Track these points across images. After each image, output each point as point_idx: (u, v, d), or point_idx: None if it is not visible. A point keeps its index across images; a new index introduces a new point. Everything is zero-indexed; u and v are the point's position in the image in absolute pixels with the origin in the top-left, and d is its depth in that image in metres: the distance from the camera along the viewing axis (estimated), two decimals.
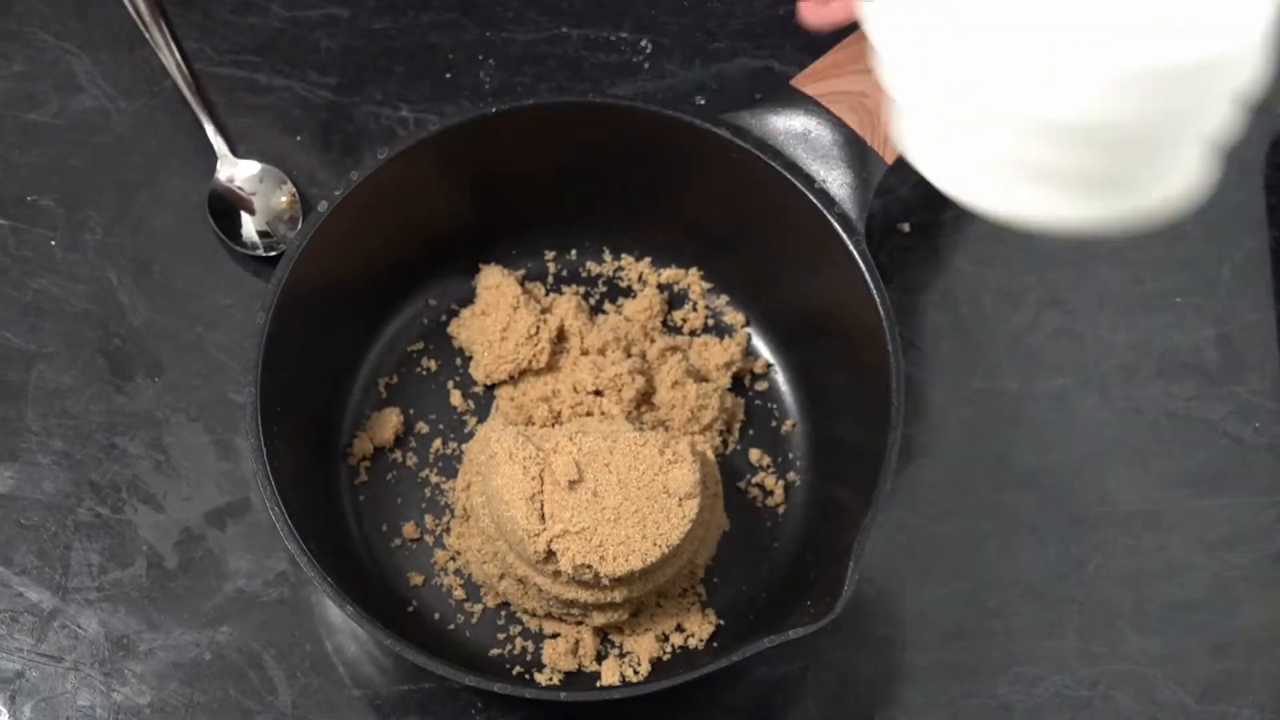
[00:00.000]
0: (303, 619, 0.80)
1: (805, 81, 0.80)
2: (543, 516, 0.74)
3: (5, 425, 0.84)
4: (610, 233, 0.88)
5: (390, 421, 0.84)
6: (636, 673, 0.79)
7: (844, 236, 0.77)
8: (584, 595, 0.77)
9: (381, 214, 0.80)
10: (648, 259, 0.88)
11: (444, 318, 0.87)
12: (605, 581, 0.75)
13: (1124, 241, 0.90)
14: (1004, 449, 0.85)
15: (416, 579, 0.82)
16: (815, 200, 0.77)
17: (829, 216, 0.77)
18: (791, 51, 0.94)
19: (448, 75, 0.93)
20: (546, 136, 0.80)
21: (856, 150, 0.78)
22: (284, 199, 0.89)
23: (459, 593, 0.81)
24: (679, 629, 0.81)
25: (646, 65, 0.94)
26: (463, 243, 0.86)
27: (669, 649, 0.80)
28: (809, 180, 0.78)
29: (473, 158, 0.80)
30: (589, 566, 0.74)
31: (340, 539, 0.81)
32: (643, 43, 0.94)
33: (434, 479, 0.84)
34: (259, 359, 0.75)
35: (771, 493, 0.84)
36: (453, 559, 0.82)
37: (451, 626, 0.81)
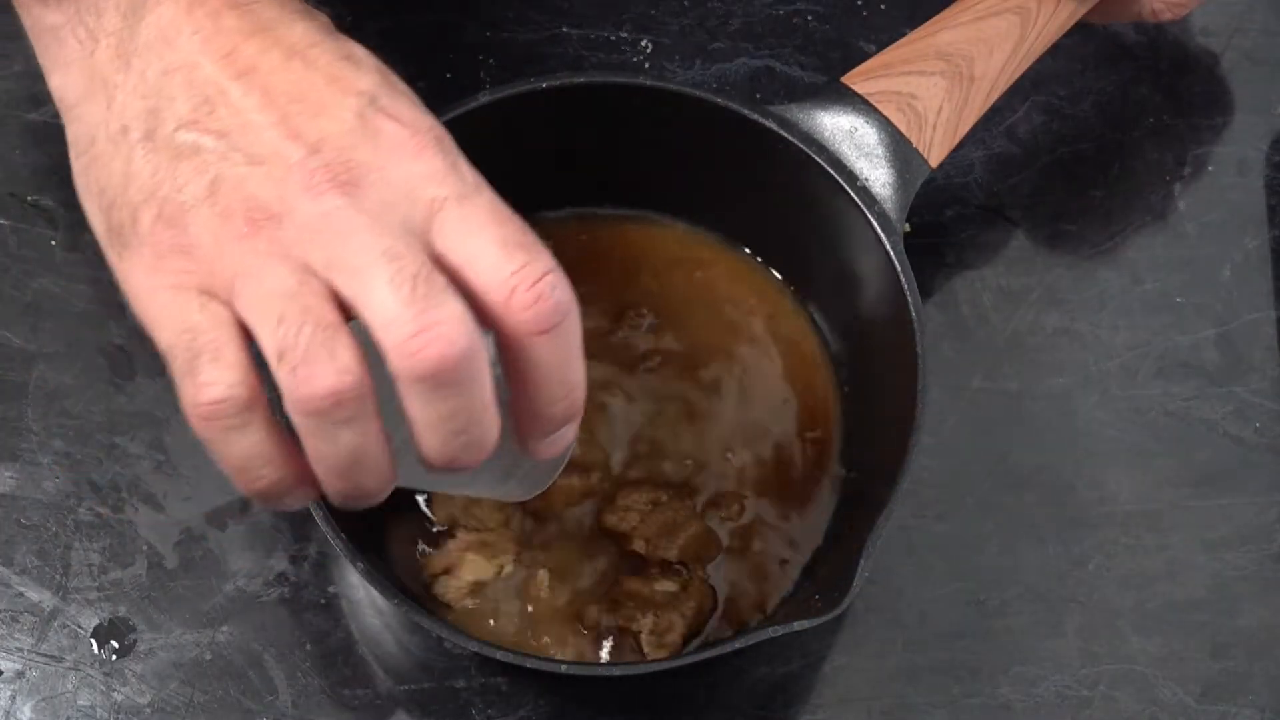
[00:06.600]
0: (303, 619, 0.80)
1: (855, 79, 0.80)
2: None
3: (5, 425, 0.84)
4: (646, 214, 0.87)
5: None
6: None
7: (882, 236, 0.77)
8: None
9: None
10: None
11: None
12: None
13: (1124, 241, 0.90)
14: (1004, 449, 0.85)
15: None
16: (856, 198, 0.77)
17: (869, 215, 0.77)
18: (792, 52, 0.94)
19: (448, 75, 0.93)
20: (590, 115, 0.80)
21: (900, 151, 0.78)
22: None
23: None
24: None
25: (647, 65, 0.94)
26: None
27: None
28: (852, 177, 0.78)
29: (515, 132, 0.80)
30: None
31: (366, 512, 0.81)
32: (643, 43, 0.94)
33: None
34: None
35: None
36: None
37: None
